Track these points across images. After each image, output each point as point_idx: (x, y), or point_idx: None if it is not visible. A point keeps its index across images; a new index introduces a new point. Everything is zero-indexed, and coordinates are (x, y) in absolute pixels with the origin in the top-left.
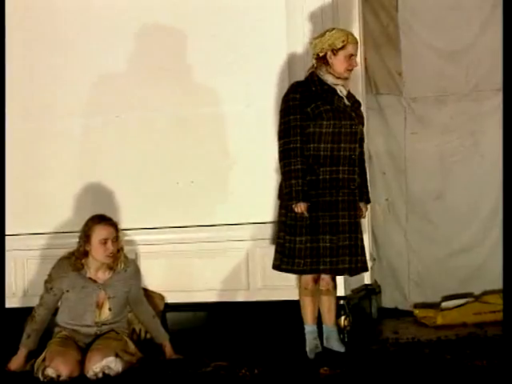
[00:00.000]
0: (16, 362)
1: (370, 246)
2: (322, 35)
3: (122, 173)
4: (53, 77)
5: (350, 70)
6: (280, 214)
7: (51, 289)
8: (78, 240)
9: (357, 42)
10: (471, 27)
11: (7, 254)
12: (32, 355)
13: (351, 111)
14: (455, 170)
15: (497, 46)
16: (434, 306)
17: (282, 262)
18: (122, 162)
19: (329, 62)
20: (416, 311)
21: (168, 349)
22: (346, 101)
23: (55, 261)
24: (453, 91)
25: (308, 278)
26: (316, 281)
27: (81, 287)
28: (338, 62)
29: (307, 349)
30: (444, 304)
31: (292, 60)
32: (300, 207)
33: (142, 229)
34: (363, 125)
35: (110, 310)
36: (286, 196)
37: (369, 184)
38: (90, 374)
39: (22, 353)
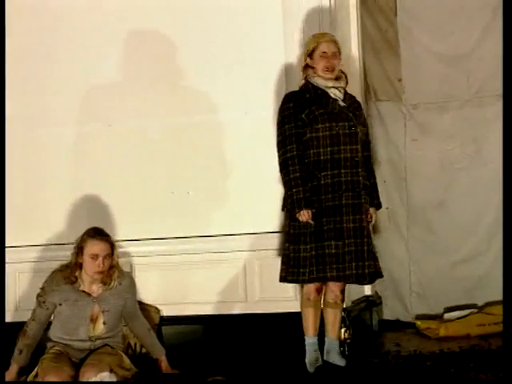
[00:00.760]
0: (8, 378)
1: None
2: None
3: (116, 183)
4: (45, 85)
5: (329, 69)
6: (285, 225)
7: (44, 302)
8: (72, 252)
9: (331, 41)
10: (473, 31)
11: None
12: (24, 371)
13: (348, 112)
14: (457, 177)
15: (499, 51)
16: (437, 317)
17: (288, 274)
18: (116, 171)
19: (313, 67)
20: (418, 323)
21: (164, 363)
22: (341, 102)
23: (48, 274)
24: (454, 97)
25: (311, 288)
26: (319, 291)
27: (74, 301)
28: (316, 63)
29: (307, 361)
30: (447, 315)
31: (290, 66)
32: (304, 215)
33: (136, 240)
34: (365, 125)
35: (104, 324)
36: (289, 206)
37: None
38: None
39: (13, 368)
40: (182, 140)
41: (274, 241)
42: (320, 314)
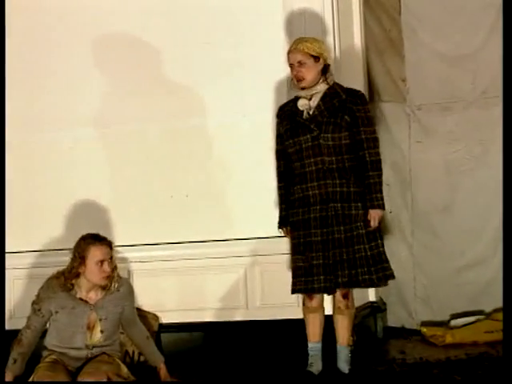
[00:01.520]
0: None
1: None
2: None
3: (113, 187)
4: (41, 89)
5: (299, 79)
6: None
7: (39, 310)
8: (70, 260)
9: (295, 50)
10: (478, 31)
11: None
12: (19, 380)
13: (315, 121)
14: (463, 180)
15: None
16: (443, 324)
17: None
18: (114, 175)
19: None
20: (423, 330)
21: (163, 372)
22: (306, 113)
23: (43, 280)
24: (459, 98)
25: (304, 295)
26: (311, 297)
27: (71, 308)
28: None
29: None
30: (453, 322)
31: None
32: (283, 231)
33: (134, 245)
34: (364, 124)
35: (101, 332)
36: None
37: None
38: None
39: (7, 378)
40: (180, 143)
41: (276, 246)
42: (321, 319)
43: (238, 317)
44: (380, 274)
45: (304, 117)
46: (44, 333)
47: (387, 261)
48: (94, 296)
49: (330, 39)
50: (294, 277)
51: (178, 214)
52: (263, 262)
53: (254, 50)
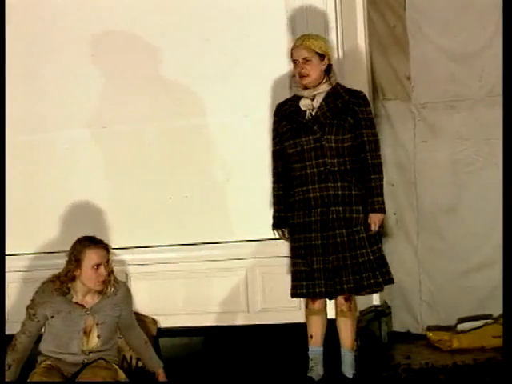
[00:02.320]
0: None
1: None
2: None
3: (111, 188)
4: (38, 89)
5: (302, 76)
6: None
7: (34, 315)
8: (65, 263)
9: (301, 46)
10: (485, 28)
11: None
12: None
13: (318, 123)
14: (469, 181)
15: None
16: (449, 328)
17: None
18: (111, 176)
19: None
20: (429, 334)
21: (162, 377)
22: (308, 114)
23: (38, 284)
24: (465, 96)
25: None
26: (313, 299)
27: (66, 313)
28: (294, 72)
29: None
30: (460, 326)
31: (291, 67)
32: (278, 233)
33: (132, 248)
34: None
35: (98, 337)
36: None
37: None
38: None
39: None
40: (179, 143)
41: (277, 248)
42: (324, 322)
43: (239, 321)
44: (386, 277)
45: (306, 117)
46: (39, 338)
47: (388, 264)
48: (90, 300)
49: (333, 36)
50: (294, 280)
51: (177, 215)
52: (264, 264)
53: (255, 49)
